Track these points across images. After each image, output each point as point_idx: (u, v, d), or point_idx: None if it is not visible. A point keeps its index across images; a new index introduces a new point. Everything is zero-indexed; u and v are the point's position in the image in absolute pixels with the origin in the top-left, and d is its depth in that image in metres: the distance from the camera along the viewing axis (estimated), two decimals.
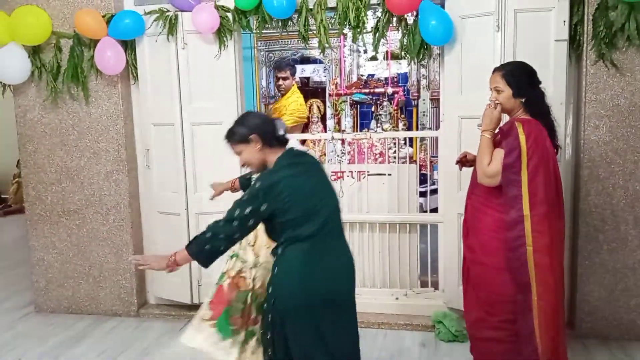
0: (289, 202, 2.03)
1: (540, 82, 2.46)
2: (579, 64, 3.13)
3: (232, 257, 2.41)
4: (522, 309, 2.33)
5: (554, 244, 2.32)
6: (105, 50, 3.48)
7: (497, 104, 2.42)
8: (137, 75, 3.66)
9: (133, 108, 3.78)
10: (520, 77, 2.42)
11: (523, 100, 2.42)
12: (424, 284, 3.73)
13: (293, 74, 4.89)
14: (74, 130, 3.74)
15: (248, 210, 2.01)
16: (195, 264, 3.66)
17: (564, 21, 3.00)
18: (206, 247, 2.05)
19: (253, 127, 2.13)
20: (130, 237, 3.78)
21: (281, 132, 2.17)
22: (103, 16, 3.50)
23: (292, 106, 4.73)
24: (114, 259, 3.81)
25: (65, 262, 3.88)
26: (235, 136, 2.16)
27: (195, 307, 3.71)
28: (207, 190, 3.57)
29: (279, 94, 4.94)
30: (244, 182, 2.59)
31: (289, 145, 2.20)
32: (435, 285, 3.66)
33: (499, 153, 2.35)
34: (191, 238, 2.14)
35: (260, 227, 2.17)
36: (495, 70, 2.49)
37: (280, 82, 4.77)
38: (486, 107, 2.46)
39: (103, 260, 3.83)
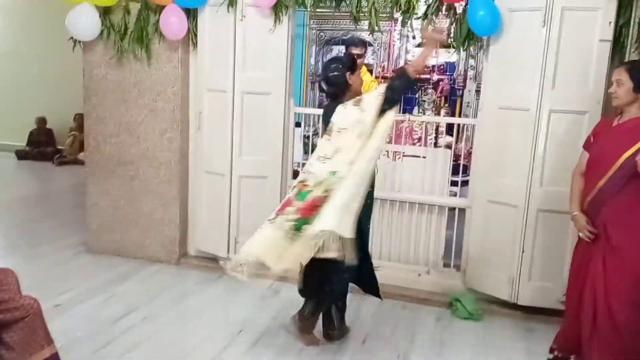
0: None
1: None
2: None
3: (333, 173, 2.69)
4: None
5: None
6: (170, 16, 3.68)
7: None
8: (196, 42, 3.86)
9: (190, 73, 3.98)
10: None
11: None
12: (446, 266, 3.84)
13: (366, 52, 4.58)
14: (135, 89, 3.99)
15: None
16: (234, 221, 3.82)
17: (610, 22, 3.04)
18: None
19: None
20: (178, 192, 4.02)
21: None
22: None
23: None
24: (161, 210, 4.07)
25: (116, 209, 4.17)
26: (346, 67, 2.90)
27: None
28: (252, 154, 3.81)
29: None
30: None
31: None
32: (457, 268, 3.76)
33: None
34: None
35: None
36: (621, 64, 2.60)
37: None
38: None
39: (151, 211, 4.09)
